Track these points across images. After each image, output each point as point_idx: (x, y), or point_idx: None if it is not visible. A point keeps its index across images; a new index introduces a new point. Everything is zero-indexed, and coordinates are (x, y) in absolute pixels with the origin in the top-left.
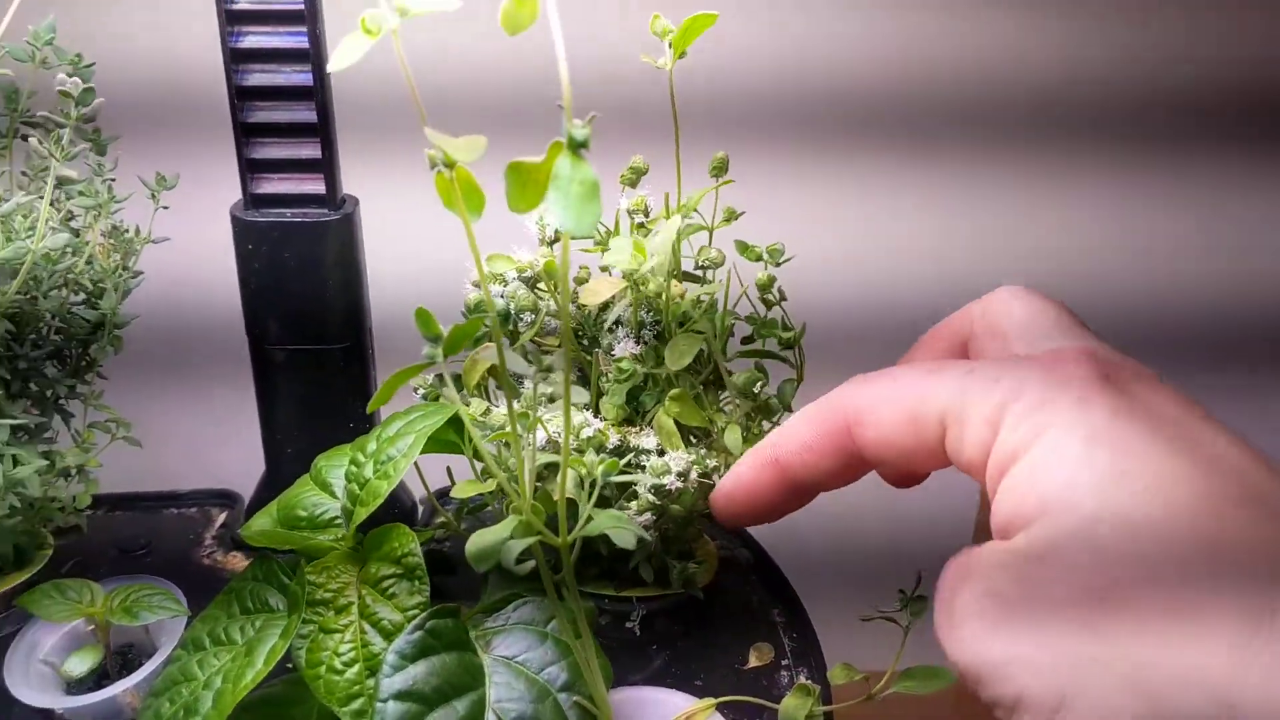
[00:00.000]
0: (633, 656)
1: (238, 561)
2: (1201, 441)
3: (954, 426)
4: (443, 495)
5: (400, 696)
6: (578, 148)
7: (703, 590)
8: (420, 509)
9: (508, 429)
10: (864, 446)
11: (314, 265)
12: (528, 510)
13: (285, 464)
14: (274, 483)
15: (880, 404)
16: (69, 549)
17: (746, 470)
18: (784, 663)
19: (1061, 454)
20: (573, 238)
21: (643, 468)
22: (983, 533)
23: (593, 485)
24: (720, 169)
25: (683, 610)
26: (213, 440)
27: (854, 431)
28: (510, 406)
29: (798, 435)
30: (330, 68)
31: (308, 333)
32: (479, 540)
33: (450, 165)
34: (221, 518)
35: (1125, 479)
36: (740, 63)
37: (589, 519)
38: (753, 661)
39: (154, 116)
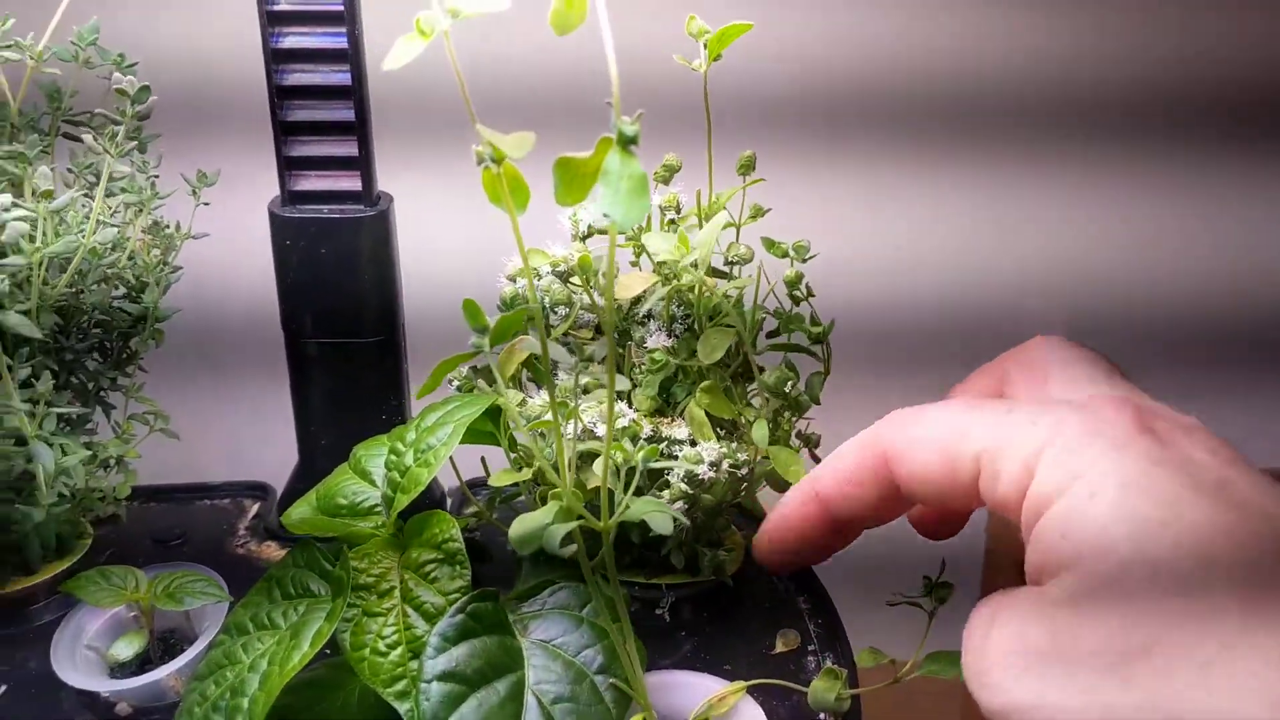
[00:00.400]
0: (662, 642)
1: (272, 551)
2: (1238, 490)
3: (989, 466)
4: (473, 485)
5: (444, 677)
6: (627, 144)
7: (731, 578)
8: (449, 499)
9: (543, 419)
10: (901, 481)
11: (350, 260)
12: (568, 496)
13: (319, 455)
14: (307, 473)
15: (918, 440)
16: (106, 539)
17: (790, 508)
18: (810, 648)
19: (1097, 501)
20: (621, 231)
21: (674, 458)
22: (996, 542)
23: (629, 472)
24: (748, 167)
25: (710, 597)
26: (240, 434)
27: (892, 466)
28: (552, 395)
29: (838, 470)
30: (385, 67)
31: (342, 326)
32: (522, 525)
33: (498, 161)
34: (254, 509)
35: (1161, 529)
36: (767, 62)
37: (626, 505)
38: (779, 647)
39: (190, 114)
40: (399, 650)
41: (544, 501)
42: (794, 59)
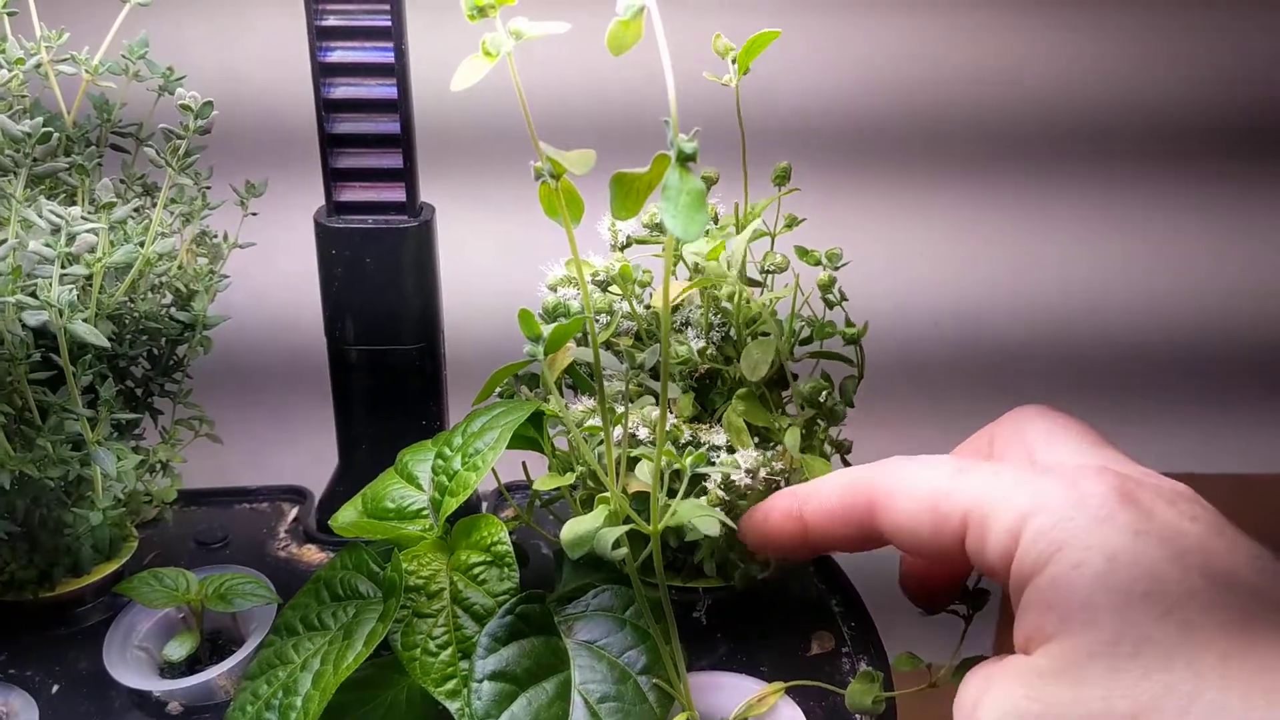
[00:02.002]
0: (699, 644)
1: (313, 554)
2: (1221, 561)
3: (975, 528)
4: (510, 489)
5: (494, 677)
6: (685, 160)
7: (764, 582)
8: (484, 503)
9: (586, 424)
10: (884, 529)
11: (393, 269)
12: (617, 500)
13: (359, 460)
14: (347, 478)
15: (905, 492)
16: (150, 542)
17: (775, 515)
18: (844, 650)
19: (1082, 573)
20: (682, 243)
21: (712, 464)
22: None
23: (673, 476)
24: (783, 178)
25: (745, 601)
26: (267, 438)
27: (877, 512)
28: (602, 401)
29: (825, 501)
30: (453, 88)
31: (384, 334)
32: (573, 529)
33: (556, 176)
34: (293, 512)
35: (1144, 601)
36: (800, 80)
37: (672, 510)
38: (814, 649)
39: (234, 127)
40: (449, 650)
41: (585, 505)
42: (827, 76)
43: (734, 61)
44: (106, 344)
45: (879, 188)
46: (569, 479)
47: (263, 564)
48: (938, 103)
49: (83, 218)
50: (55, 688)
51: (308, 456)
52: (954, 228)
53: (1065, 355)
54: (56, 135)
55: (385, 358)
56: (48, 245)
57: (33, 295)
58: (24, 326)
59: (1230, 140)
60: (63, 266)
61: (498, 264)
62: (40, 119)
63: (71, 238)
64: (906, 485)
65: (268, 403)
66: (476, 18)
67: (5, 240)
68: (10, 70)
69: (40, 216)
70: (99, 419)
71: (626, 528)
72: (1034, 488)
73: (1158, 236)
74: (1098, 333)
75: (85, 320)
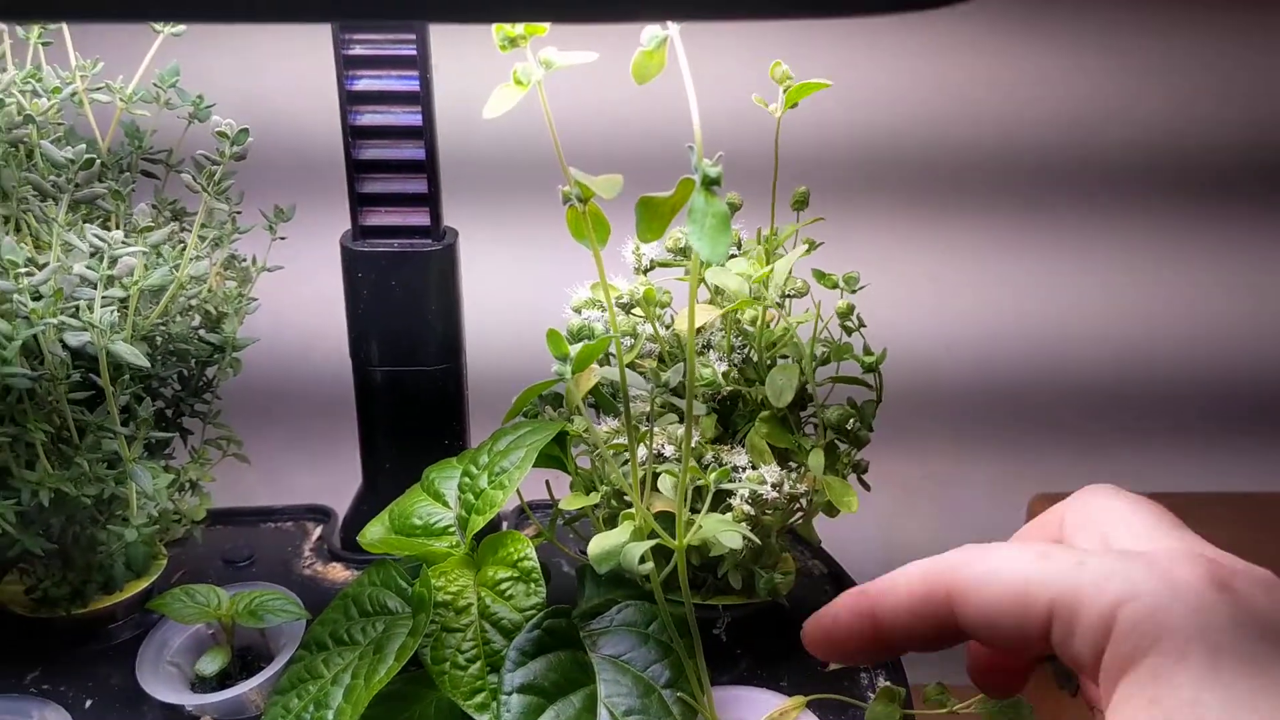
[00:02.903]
0: (720, 660)
1: (337, 572)
2: None
3: (1063, 620)
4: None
5: (523, 690)
6: (710, 184)
7: (781, 601)
8: (505, 521)
9: (611, 444)
10: (964, 621)
11: (417, 292)
12: (642, 516)
13: (382, 479)
14: (371, 496)
15: (987, 582)
16: (178, 560)
17: (845, 616)
18: (862, 667)
19: (1185, 668)
20: (706, 263)
21: (734, 481)
22: None
23: (695, 495)
24: (802, 203)
25: (764, 618)
26: (291, 460)
27: (955, 604)
28: (628, 420)
29: (899, 596)
30: (485, 115)
31: (408, 355)
32: (601, 544)
33: (584, 200)
34: (317, 531)
35: (1253, 697)
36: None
37: (697, 525)
38: (833, 665)
39: (260, 153)
40: (478, 664)
41: (608, 524)
42: (854, 108)
43: (784, 92)
44: (146, 364)
45: (891, 217)
46: (594, 498)
47: (289, 582)
48: (951, 135)
49: (122, 242)
50: (89, 702)
51: (326, 477)
52: (965, 256)
53: (1076, 380)
54: (99, 161)
55: (409, 379)
56: (90, 268)
57: (74, 316)
58: (64, 347)
59: (1247, 173)
60: (105, 289)
61: (512, 287)
62: (82, 145)
63: (114, 261)
64: (989, 575)
65: (285, 423)
66: (508, 48)
67: (47, 264)
68: (49, 99)
69: (83, 240)
70: (136, 437)
71: (653, 542)
72: (1125, 575)
73: (1167, 267)
74: (1108, 359)
75: (123, 341)
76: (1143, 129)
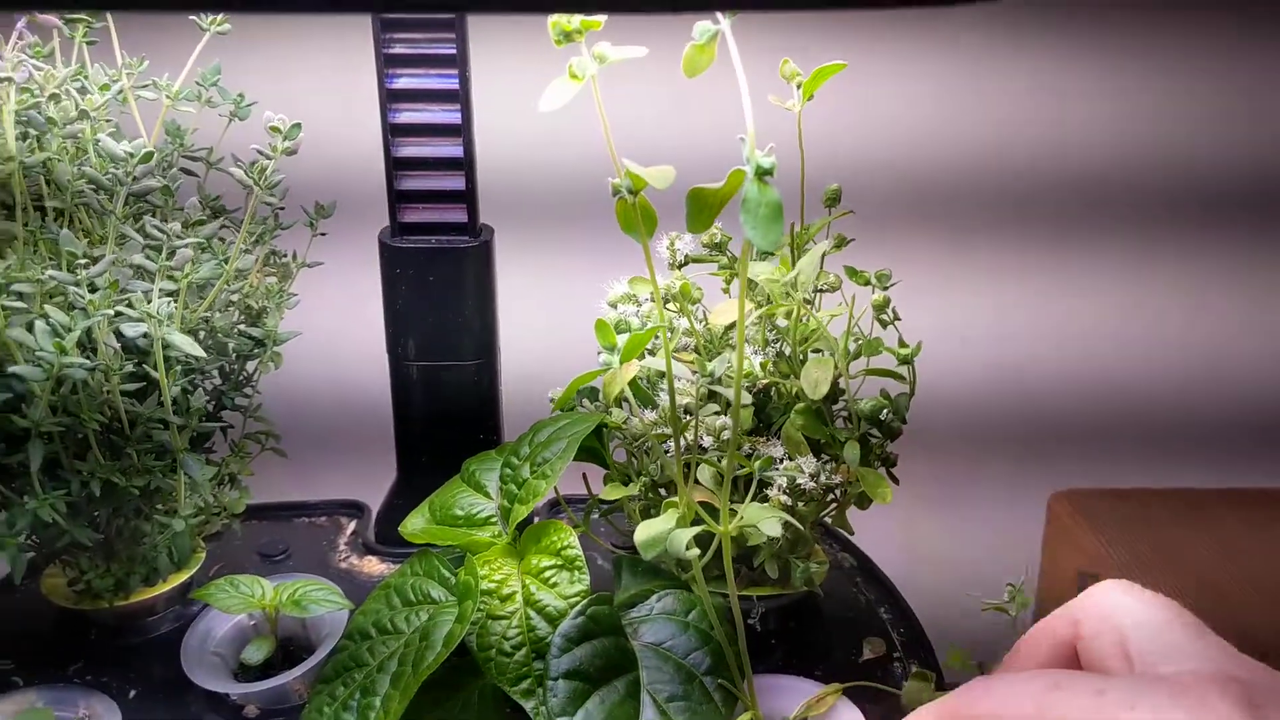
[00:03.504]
0: (755, 650)
1: (373, 565)
2: None
3: None
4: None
5: (569, 675)
6: (763, 175)
7: (814, 592)
8: (534, 516)
9: (652, 434)
10: None
11: (454, 288)
12: (686, 504)
13: (417, 473)
14: (406, 489)
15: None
16: (214, 554)
17: None
18: (895, 655)
19: None
20: (762, 251)
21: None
22: None
23: (734, 484)
24: (833, 200)
25: (798, 608)
26: (319, 456)
27: None
28: (673, 409)
29: None
30: (541, 108)
31: (445, 350)
32: (646, 531)
33: (634, 193)
34: (351, 525)
35: None
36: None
37: (740, 514)
38: (866, 654)
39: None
40: (523, 650)
41: (644, 515)
42: (879, 134)
43: (799, 87)
44: (202, 354)
45: (911, 224)
46: (632, 489)
47: (325, 575)
48: (980, 158)
49: (179, 235)
50: (132, 693)
51: (346, 472)
52: (981, 261)
53: (1093, 379)
54: (156, 154)
55: (445, 374)
56: (149, 259)
57: (129, 306)
58: (119, 338)
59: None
60: (169, 279)
61: (538, 286)
62: (140, 140)
63: (171, 253)
64: (1003, 711)
65: (315, 419)
66: (563, 43)
67: (102, 256)
68: (100, 95)
69: (141, 233)
70: (186, 427)
71: (699, 529)
72: (1149, 706)
73: (1198, 295)
74: (1126, 361)
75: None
76: (1181, 156)
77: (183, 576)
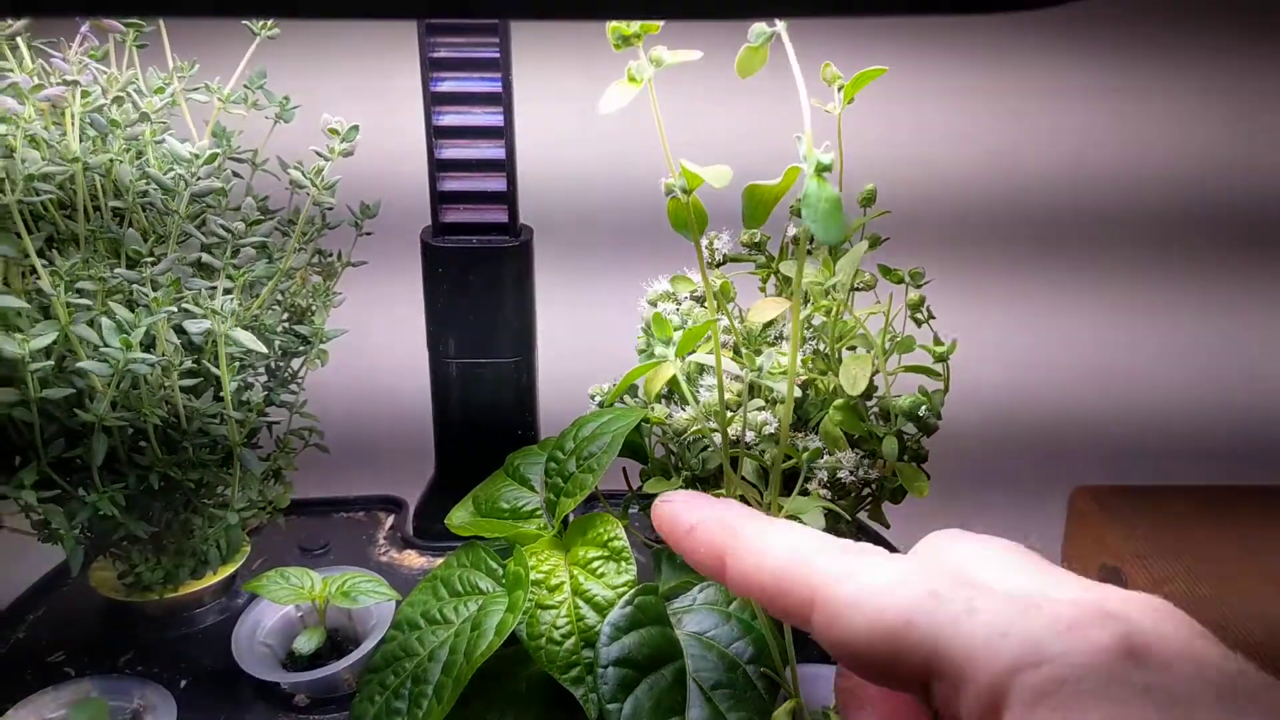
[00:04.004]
0: (794, 640)
1: (412, 558)
2: (1250, 681)
3: (945, 678)
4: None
5: (618, 663)
6: (822, 171)
7: None
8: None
9: (696, 429)
10: (824, 641)
11: (494, 287)
12: (732, 494)
13: (455, 467)
14: (444, 485)
15: (857, 607)
16: (256, 548)
17: (701, 545)
18: None
19: None
20: (826, 244)
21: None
22: None
23: (778, 474)
24: (869, 200)
25: None
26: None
27: (817, 617)
28: (721, 403)
29: (754, 575)
30: (601, 110)
31: (484, 348)
32: None
33: (688, 192)
34: (389, 520)
35: None
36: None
37: (784, 508)
38: None
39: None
40: (572, 639)
41: None
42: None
43: (839, 89)
44: (265, 350)
45: (946, 237)
46: (675, 483)
47: (365, 569)
48: (1002, 166)
49: (243, 234)
50: (183, 683)
51: (380, 469)
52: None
53: (1113, 379)
54: (221, 153)
55: (484, 370)
56: (215, 256)
57: (195, 303)
58: (179, 334)
59: None
60: (227, 278)
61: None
62: (205, 141)
63: (235, 251)
64: (858, 599)
65: (350, 416)
66: (621, 46)
67: (163, 255)
68: (157, 97)
69: (205, 232)
70: (245, 423)
71: None
72: (1024, 633)
73: (1219, 294)
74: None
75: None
76: (1201, 182)
77: (229, 570)
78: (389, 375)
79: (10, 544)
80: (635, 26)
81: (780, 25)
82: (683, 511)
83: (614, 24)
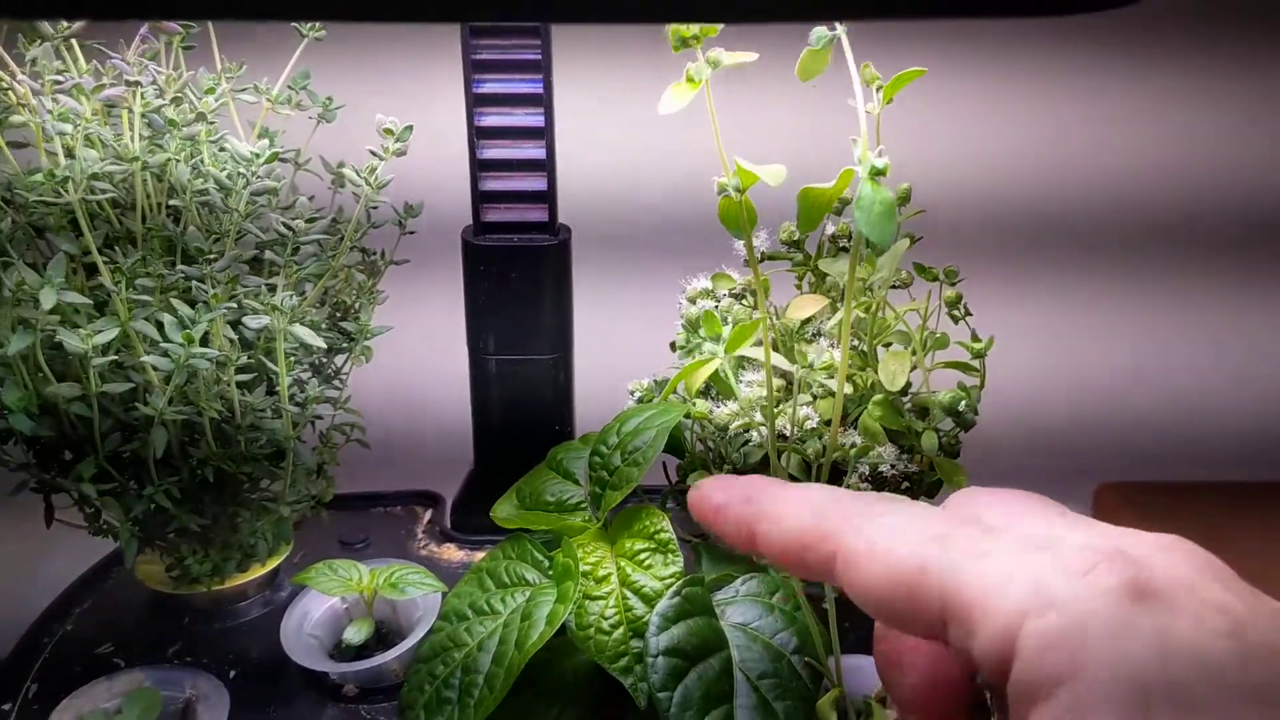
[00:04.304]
0: (827, 631)
1: (452, 552)
2: (1259, 630)
3: (959, 621)
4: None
5: (667, 653)
6: (876, 175)
7: None
8: None
9: (734, 424)
10: (851, 592)
11: (533, 285)
12: None
13: (494, 463)
14: (482, 480)
15: (873, 555)
16: (297, 542)
17: (730, 519)
18: None
19: (1112, 706)
20: (875, 247)
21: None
22: None
23: (819, 469)
24: (904, 199)
25: None
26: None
27: (839, 569)
28: (770, 398)
29: (782, 536)
30: (661, 111)
31: (523, 345)
32: None
33: (740, 191)
34: (427, 515)
35: None
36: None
37: None
38: None
39: None
40: (621, 630)
41: None
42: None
43: (878, 90)
44: (323, 345)
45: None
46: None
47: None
48: (1031, 170)
49: (303, 231)
50: (232, 673)
51: (405, 466)
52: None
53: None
54: (276, 153)
55: (523, 367)
56: (276, 254)
57: (256, 300)
58: (235, 329)
59: None
60: (287, 276)
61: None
62: (264, 141)
63: (296, 249)
64: (874, 546)
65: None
66: (680, 48)
67: (222, 252)
68: (210, 98)
69: (265, 230)
70: (303, 417)
71: None
72: (1033, 578)
73: (1243, 295)
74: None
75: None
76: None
77: (273, 563)
78: (427, 371)
79: (47, 539)
80: (695, 29)
81: (840, 29)
82: (711, 493)
83: (674, 26)
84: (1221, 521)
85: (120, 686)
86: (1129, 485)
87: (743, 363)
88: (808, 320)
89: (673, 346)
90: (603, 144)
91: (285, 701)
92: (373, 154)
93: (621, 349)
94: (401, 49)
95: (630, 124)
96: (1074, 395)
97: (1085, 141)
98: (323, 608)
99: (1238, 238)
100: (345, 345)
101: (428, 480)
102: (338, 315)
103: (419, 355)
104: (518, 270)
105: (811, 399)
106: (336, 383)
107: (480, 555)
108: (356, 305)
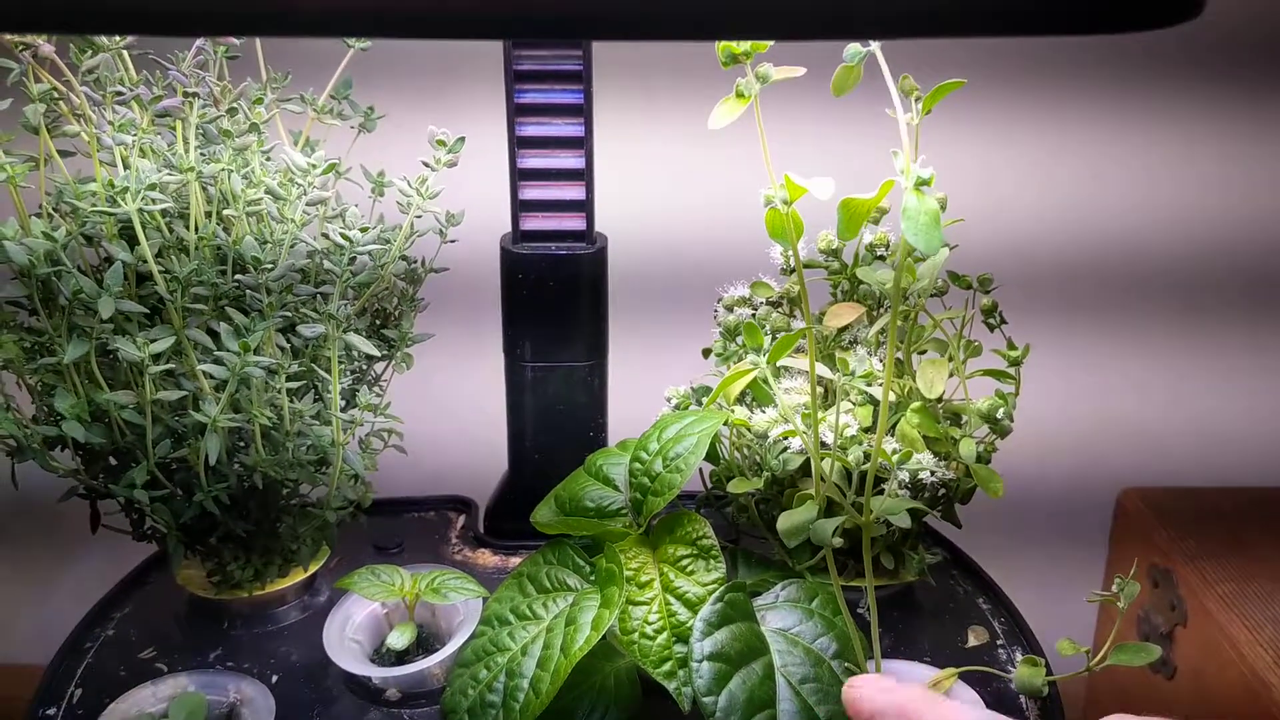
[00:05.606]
0: (865, 636)
1: (486, 557)
2: None
3: None
4: None
5: (711, 658)
6: (921, 185)
7: (913, 584)
8: None
9: (775, 431)
10: None
11: (571, 293)
12: (822, 496)
13: (529, 468)
14: (517, 485)
15: None
16: (334, 547)
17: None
18: (999, 642)
19: None
20: (920, 255)
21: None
22: None
23: (863, 476)
24: (942, 209)
25: (901, 599)
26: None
27: None
28: (814, 406)
29: None
30: (711, 126)
31: (559, 351)
32: (789, 519)
33: (788, 204)
34: (460, 520)
35: None
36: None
37: (880, 504)
38: (972, 641)
39: None
40: (664, 635)
41: (760, 505)
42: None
43: (917, 101)
44: (376, 352)
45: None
46: (757, 483)
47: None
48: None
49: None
50: (274, 678)
51: (435, 471)
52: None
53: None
54: (334, 164)
55: (559, 374)
56: (331, 262)
57: (313, 309)
58: (285, 337)
59: None
60: (345, 282)
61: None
62: (321, 152)
63: (353, 259)
64: None
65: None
66: (730, 64)
67: (276, 262)
68: (260, 108)
69: (327, 237)
70: (353, 424)
71: (843, 519)
72: None
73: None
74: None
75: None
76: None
77: (312, 568)
78: (462, 377)
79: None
80: (745, 45)
81: (874, 45)
82: (869, 698)
83: (724, 43)
84: (1244, 526)
85: (165, 691)
86: (1151, 490)
87: (779, 370)
88: (844, 328)
89: (706, 353)
90: (642, 155)
91: (327, 705)
92: (425, 165)
93: (654, 356)
94: (441, 59)
95: (670, 138)
96: (1095, 400)
97: (1111, 168)
98: (364, 612)
99: (1255, 269)
100: (386, 352)
101: (460, 485)
102: (378, 323)
103: (454, 361)
104: (555, 278)
105: (852, 406)
106: (377, 389)
107: (515, 561)
108: (397, 312)
